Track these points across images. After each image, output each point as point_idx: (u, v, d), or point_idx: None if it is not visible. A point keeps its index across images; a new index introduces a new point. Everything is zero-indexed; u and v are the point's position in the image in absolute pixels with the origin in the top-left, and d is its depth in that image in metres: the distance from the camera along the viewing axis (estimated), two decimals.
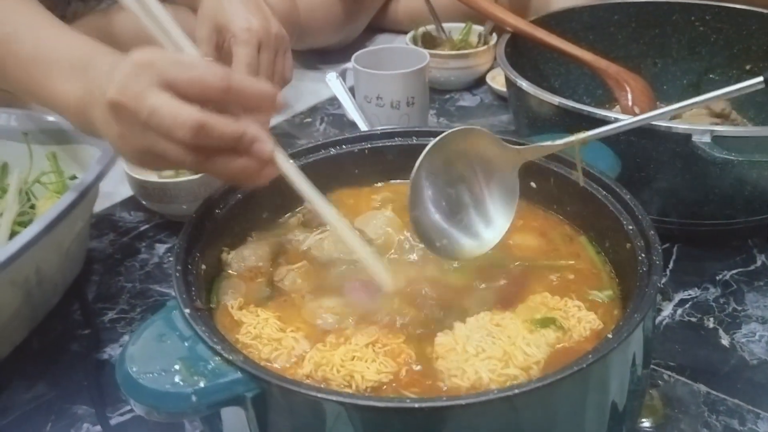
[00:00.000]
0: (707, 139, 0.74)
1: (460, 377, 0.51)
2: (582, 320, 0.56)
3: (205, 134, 0.51)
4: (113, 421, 0.68)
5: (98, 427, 0.67)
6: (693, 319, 0.77)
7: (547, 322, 0.55)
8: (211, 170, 0.55)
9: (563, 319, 0.56)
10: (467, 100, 1.30)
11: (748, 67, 1.07)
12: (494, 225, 0.62)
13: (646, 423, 0.66)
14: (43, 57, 0.62)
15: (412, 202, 0.59)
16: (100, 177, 0.74)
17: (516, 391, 0.45)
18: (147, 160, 0.56)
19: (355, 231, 0.62)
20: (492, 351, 0.52)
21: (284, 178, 0.59)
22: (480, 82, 1.33)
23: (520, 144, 0.64)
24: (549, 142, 0.63)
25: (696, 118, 1.04)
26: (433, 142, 0.59)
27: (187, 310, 0.51)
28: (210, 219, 0.64)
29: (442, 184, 0.61)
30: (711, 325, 0.76)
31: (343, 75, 1.09)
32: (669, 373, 0.71)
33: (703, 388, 0.69)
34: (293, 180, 0.59)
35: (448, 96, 1.31)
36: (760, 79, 0.57)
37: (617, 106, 1.01)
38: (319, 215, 0.60)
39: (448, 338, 0.54)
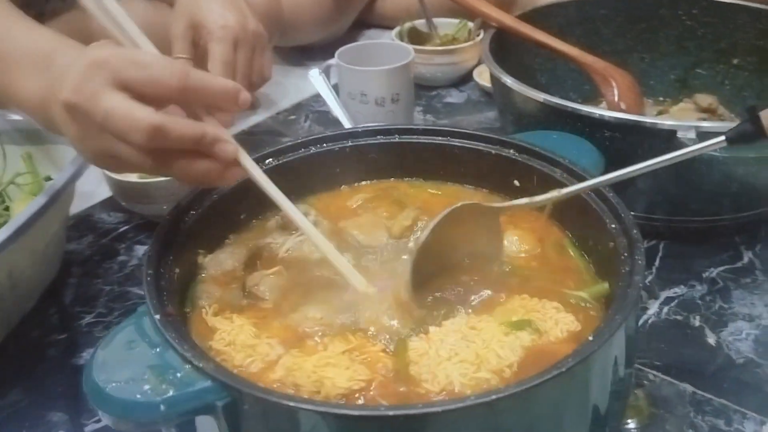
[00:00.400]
0: (692, 135, 0.73)
1: (430, 382, 0.50)
2: (559, 322, 0.55)
3: (162, 137, 0.49)
4: (88, 429, 0.66)
5: None
6: (679, 318, 0.76)
7: (522, 325, 0.54)
8: (172, 173, 0.53)
9: (540, 321, 0.55)
10: (454, 97, 1.29)
11: (735, 62, 1.06)
12: None
13: (631, 424, 0.65)
14: (6, 54, 0.60)
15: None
16: (74, 178, 0.73)
17: (494, 396, 0.43)
18: (106, 162, 0.55)
19: (318, 231, 0.61)
20: (465, 354, 0.51)
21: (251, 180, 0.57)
22: (467, 78, 1.31)
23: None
24: (526, 200, 0.63)
25: (683, 113, 1.03)
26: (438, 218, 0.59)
27: (157, 316, 0.50)
28: (184, 221, 0.62)
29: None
30: (697, 324, 0.76)
31: (326, 71, 1.07)
32: (655, 372, 0.70)
33: (689, 387, 0.68)
34: (259, 181, 0.57)
35: (434, 92, 1.29)
36: (722, 138, 0.56)
37: (604, 102, 0.99)
38: (288, 217, 0.59)
39: (422, 343, 0.53)
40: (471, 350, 0.52)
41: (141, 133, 0.49)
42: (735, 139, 0.56)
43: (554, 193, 0.62)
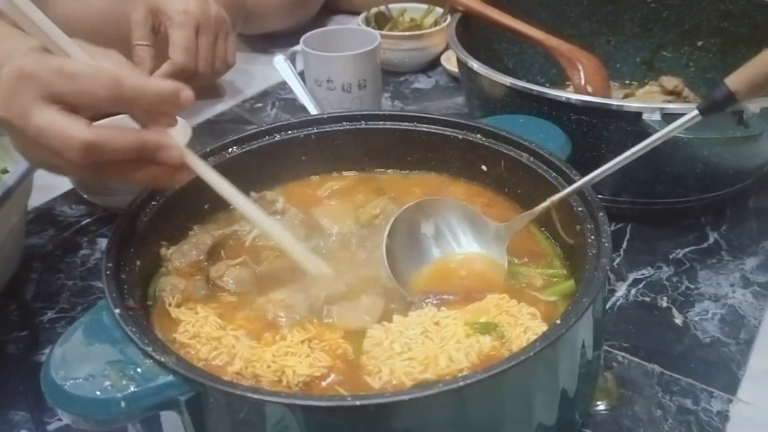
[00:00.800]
0: (657, 117, 0.74)
1: (373, 376, 0.50)
2: (528, 330, 0.53)
3: (97, 152, 0.47)
4: (51, 427, 0.64)
5: None
6: (647, 299, 0.77)
7: (487, 328, 0.52)
8: (117, 180, 0.51)
9: (509, 326, 0.53)
10: (422, 82, 1.28)
11: (699, 44, 1.07)
12: None
13: (600, 406, 0.65)
14: None
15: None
16: (31, 170, 0.70)
17: (461, 383, 0.43)
18: (50, 170, 0.52)
19: (275, 223, 0.61)
20: (417, 352, 0.50)
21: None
22: (435, 63, 1.31)
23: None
24: (528, 212, 0.62)
25: (648, 96, 1.04)
26: (400, 210, 0.61)
27: (117, 311, 0.49)
28: (145, 213, 0.61)
29: (421, 249, 0.63)
30: (665, 305, 0.76)
31: (292, 58, 1.06)
32: (623, 354, 0.70)
33: (657, 368, 0.69)
34: (208, 181, 0.55)
35: (402, 78, 1.28)
36: (696, 112, 0.56)
37: (571, 86, 0.99)
38: (241, 212, 0.57)
39: (379, 332, 0.53)
40: (425, 348, 0.51)
41: (74, 151, 0.46)
42: (707, 109, 0.56)
43: (554, 197, 0.60)
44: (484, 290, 0.58)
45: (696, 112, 0.56)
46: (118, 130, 0.49)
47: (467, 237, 0.64)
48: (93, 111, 0.49)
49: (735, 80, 0.55)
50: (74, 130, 0.46)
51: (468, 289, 0.59)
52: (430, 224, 0.63)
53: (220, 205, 0.70)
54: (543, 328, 0.53)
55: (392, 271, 0.58)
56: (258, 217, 0.57)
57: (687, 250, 0.84)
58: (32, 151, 0.50)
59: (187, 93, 0.50)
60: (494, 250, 0.62)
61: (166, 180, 0.53)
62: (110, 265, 0.53)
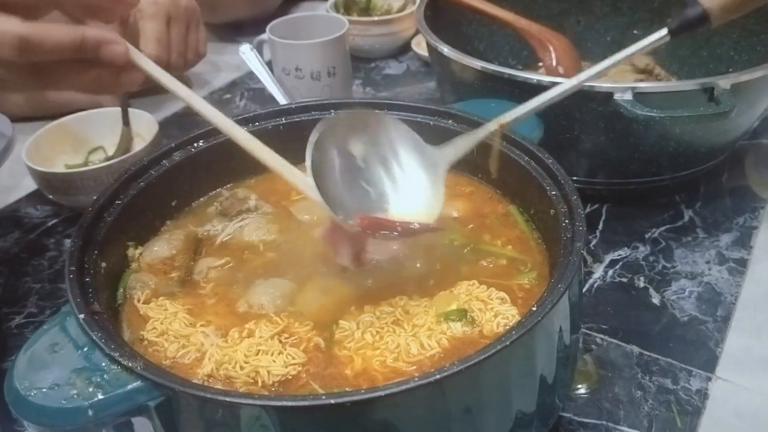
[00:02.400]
0: (629, 96, 0.73)
1: (347, 366, 0.49)
2: (499, 314, 0.52)
3: (34, 49, 0.44)
4: None
5: None
6: (624, 280, 0.77)
7: (458, 315, 0.52)
8: (60, 87, 0.48)
9: (479, 312, 0.53)
10: (393, 68, 1.26)
11: (669, 21, 1.06)
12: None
13: (581, 389, 0.65)
14: None
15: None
16: None
17: (438, 375, 0.42)
18: None
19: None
20: (388, 340, 0.50)
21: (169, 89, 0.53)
22: (406, 48, 1.29)
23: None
24: (468, 135, 0.58)
25: (620, 75, 1.03)
26: (324, 120, 0.53)
27: (81, 315, 0.47)
28: (109, 212, 0.59)
29: (351, 170, 0.54)
30: (642, 285, 0.76)
31: (259, 47, 1.03)
32: (602, 336, 0.70)
33: (636, 349, 0.69)
34: (160, 79, 0.51)
35: (373, 64, 1.27)
36: (664, 31, 0.54)
37: (542, 67, 0.99)
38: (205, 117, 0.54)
39: (350, 324, 0.52)
40: (396, 336, 0.50)
41: (8, 48, 0.44)
42: (678, 29, 0.53)
43: (500, 119, 0.56)
44: (422, 229, 0.54)
45: (665, 31, 0.54)
46: (55, 25, 0.46)
47: (407, 160, 0.57)
48: (27, 11, 0.45)
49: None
50: (6, 24, 0.44)
51: (405, 225, 0.54)
52: (360, 144, 0.56)
53: (187, 201, 0.69)
54: (513, 311, 0.53)
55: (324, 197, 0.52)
56: (225, 124, 0.55)
57: (662, 228, 0.84)
58: None
59: None
60: (432, 179, 0.56)
61: (112, 83, 0.49)
62: (73, 268, 0.51)
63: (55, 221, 0.89)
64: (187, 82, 1.20)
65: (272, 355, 0.49)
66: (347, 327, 0.52)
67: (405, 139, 0.56)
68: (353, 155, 0.55)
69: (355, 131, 0.55)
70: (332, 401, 0.41)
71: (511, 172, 0.64)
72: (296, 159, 0.74)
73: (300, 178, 0.53)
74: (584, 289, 0.75)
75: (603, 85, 0.75)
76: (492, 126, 0.58)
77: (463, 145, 0.58)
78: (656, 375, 0.66)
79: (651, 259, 0.79)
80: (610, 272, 0.78)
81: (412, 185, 0.56)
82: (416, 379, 0.42)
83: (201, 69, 1.23)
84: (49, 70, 0.46)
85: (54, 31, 0.45)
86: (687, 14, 0.53)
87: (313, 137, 0.53)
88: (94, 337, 0.45)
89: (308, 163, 0.52)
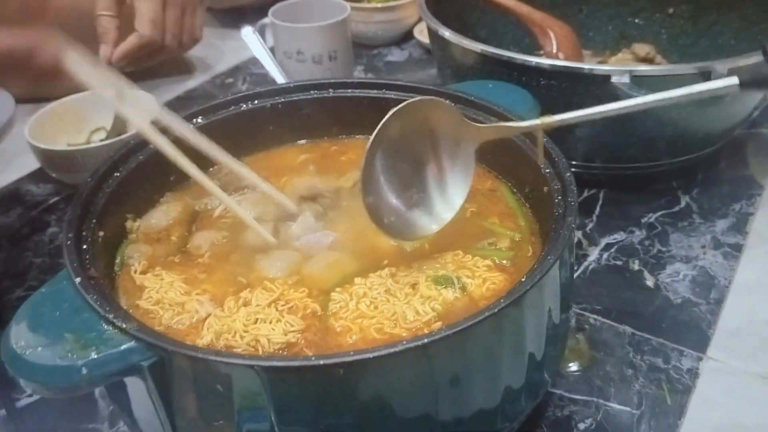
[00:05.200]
0: (626, 79, 0.74)
1: (344, 335, 0.50)
2: (487, 281, 0.54)
3: None
4: (20, 404, 0.64)
5: (3, 411, 0.63)
6: (618, 263, 0.77)
7: (448, 281, 0.53)
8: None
9: (467, 279, 0.54)
10: (395, 55, 1.27)
11: (671, 11, 1.07)
12: (448, 202, 0.58)
13: (573, 366, 0.66)
14: None
15: (365, 180, 0.54)
16: None
17: (426, 340, 0.43)
18: None
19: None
20: (383, 309, 0.51)
21: None
22: (408, 36, 1.30)
23: (480, 121, 0.61)
24: (512, 123, 0.59)
25: (621, 63, 1.04)
26: (392, 111, 0.54)
27: (77, 279, 0.48)
28: (108, 184, 0.60)
29: (396, 159, 0.56)
30: (636, 268, 0.76)
31: (261, 31, 1.04)
32: (595, 316, 0.70)
33: (628, 329, 0.69)
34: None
35: (375, 51, 1.27)
36: (735, 80, 0.53)
37: (543, 55, 0.99)
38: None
39: (343, 295, 0.53)
40: (391, 305, 0.51)
41: None
42: (748, 83, 0.53)
43: (546, 119, 0.57)
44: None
45: (736, 81, 0.53)
46: None
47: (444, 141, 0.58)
48: None
49: None
50: None
51: None
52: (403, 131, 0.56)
53: (186, 176, 0.69)
54: (501, 277, 0.54)
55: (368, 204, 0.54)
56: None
57: (659, 214, 0.84)
58: None
59: None
60: (463, 157, 0.58)
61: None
62: (71, 235, 0.52)
63: (56, 199, 0.90)
64: (188, 67, 1.21)
65: (271, 323, 0.50)
66: (340, 299, 0.53)
67: (445, 119, 0.57)
68: (399, 156, 0.56)
69: (406, 127, 0.56)
70: (321, 362, 0.41)
71: (506, 150, 0.64)
72: (295, 138, 0.76)
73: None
74: (579, 271, 0.76)
75: (600, 67, 0.75)
76: (536, 122, 0.58)
77: (503, 131, 0.60)
78: (648, 354, 0.66)
79: (646, 243, 0.80)
80: (605, 255, 0.78)
81: (447, 167, 0.58)
82: (405, 342, 0.43)
83: (204, 54, 1.24)
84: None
85: None
86: (762, 71, 0.54)
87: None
88: (90, 300, 0.46)
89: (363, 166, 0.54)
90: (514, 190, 0.66)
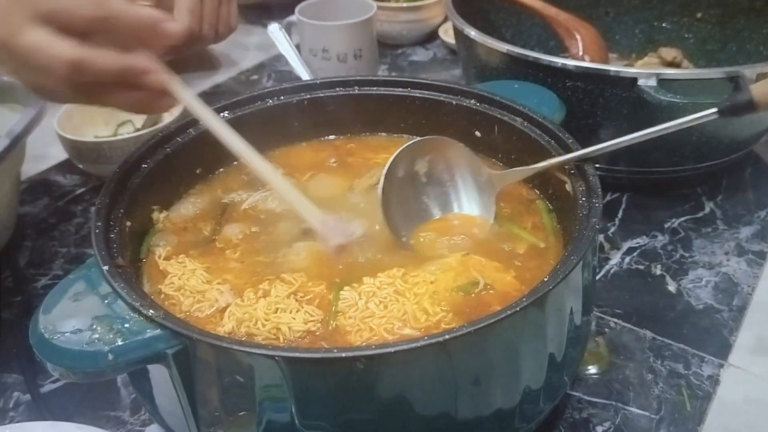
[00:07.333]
0: (653, 82, 0.73)
1: (355, 334, 0.50)
2: (497, 281, 0.54)
3: (84, 71, 0.48)
4: (44, 389, 0.65)
5: (28, 396, 0.64)
6: (641, 267, 0.77)
7: (457, 281, 0.53)
8: (102, 104, 0.53)
9: (477, 278, 0.54)
10: (420, 55, 1.27)
11: (699, 15, 1.06)
12: None
13: (592, 369, 0.66)
14: None
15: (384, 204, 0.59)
16: (18, 139, 0.70)
17: (446, 336, 0.43)
18: (44, 96, 0.54)
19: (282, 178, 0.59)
20: (393, 309, 0.51)
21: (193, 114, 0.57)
22: (432, 36, 1.30)
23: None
24: (524, 168, 0.62)
25: (647, 66, 1.03)
26: (401, 148, 0.60)
27: (105, 267, 0.49)
28: (136, 175, 0.61)
29: (414, 186, 0.62)
30: (658, 272, 0.76)
31: (288, 29, 1.04)
32: (615, 320, 0.70)
33: (648, 334, 0.69)
34: (195, 111, 0.55)
35: (400, 51, 1.28)
36: (714, 110, 0.56)
37: (569, 57, 0.99)
38: (233, 152, 0.56)
39: (352, 293, 0.53)
40: (400, 305, 0.51)
41: (62, 69, 0.48)
42: (726, 110, 0.56)
43: (548, 162, 0.60)
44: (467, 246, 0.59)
45: (715, 110, 0.56)
46: (106, 51, 0.50)
47: (462, 182, 0.64)
48: (81, 35, 0.49)
49: (759, 90, 0.55)
50: (62, 47, 0.48)
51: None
52: (425, 163, 0.63)
53: (211, 169, 0.70)
54: (509, 278, 0.54)
55: (387, 217, 0.59)
56: (246, 153, 0.56)
57: (682, 219, 0.83)
58: (26, 75, 0.51)
59: (169, 26, 0.51)
60: (483, 200, 0.63)
61: (149, 105, 0.54)
62: (99, 224, 0.53)
63: (83, 190, 0.92)
64: (214, 62, 1.22)
65: (291, 312, 0.50)
66: (349, 297, 0.53)
67: (463, 161, 0.63)
68: (417, 175, 0.63)
69: (421, 154, 0.63)
70: (344, 354, 0.42)
71: (531, 152, 0.64)
72: (319, 134, 0.76)
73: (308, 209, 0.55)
74: (600, 275, 0.76)
75: (628, 70, 0.75)
76: (550, 162, 0.60)
77: (519, 174, 0.63)
78: (668, 360, 0.66)
79: (669, 248, 0.79)
80: (627, 259, 0.78)
81: (467, 201, 0.64)
82: (426, 338, 0.43)
83: (230, 50, 1.25)
84: (94, 88, 0.51)
85: (104, 56, 0.49)
86: (736, 99, 0.55)
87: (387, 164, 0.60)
88: (117, 287, 0.47)
89: (380, 186, 0.60)
90: (551, 207, 0.65)
